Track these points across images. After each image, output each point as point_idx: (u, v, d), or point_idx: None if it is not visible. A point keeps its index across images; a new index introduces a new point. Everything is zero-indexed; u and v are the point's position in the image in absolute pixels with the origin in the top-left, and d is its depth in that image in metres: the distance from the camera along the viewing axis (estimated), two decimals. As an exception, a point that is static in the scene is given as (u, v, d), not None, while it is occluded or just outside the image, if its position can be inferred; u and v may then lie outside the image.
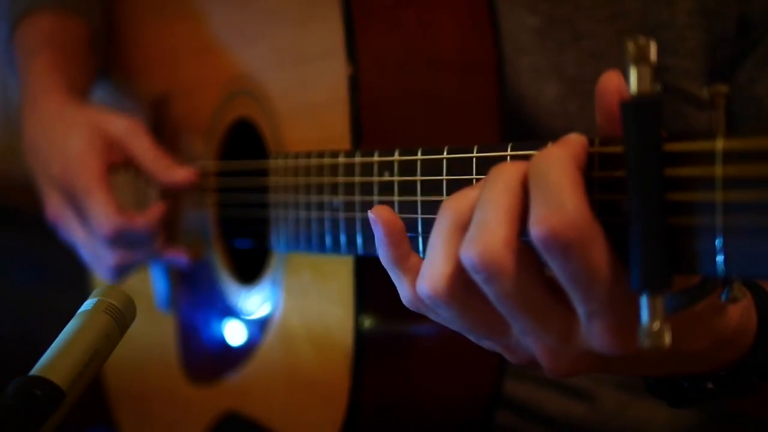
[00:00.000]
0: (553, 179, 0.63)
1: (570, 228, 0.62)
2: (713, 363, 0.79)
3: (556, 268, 0.65)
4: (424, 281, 0.71)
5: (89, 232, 1.29)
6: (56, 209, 1.32)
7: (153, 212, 1.29)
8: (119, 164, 1.31)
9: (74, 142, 1.28)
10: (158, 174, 1.28)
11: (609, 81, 0.68)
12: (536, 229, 0.63)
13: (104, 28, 1.53)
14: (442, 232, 0.70)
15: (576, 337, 0.68)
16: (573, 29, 1.13)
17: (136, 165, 1.30)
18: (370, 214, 0.75)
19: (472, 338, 0.76)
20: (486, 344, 0.76)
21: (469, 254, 0.66)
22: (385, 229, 0.75)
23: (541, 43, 1.14)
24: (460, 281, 0.69)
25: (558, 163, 0.64)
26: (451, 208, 0.70)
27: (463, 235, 0.68)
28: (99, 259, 1.31)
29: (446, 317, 0.73)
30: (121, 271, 1.31)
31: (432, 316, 0.75)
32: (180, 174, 1.28)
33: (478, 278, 0.67)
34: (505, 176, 0.67)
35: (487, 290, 0.68)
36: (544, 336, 0.69)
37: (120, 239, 1.26)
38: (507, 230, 0.65)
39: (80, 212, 1.28)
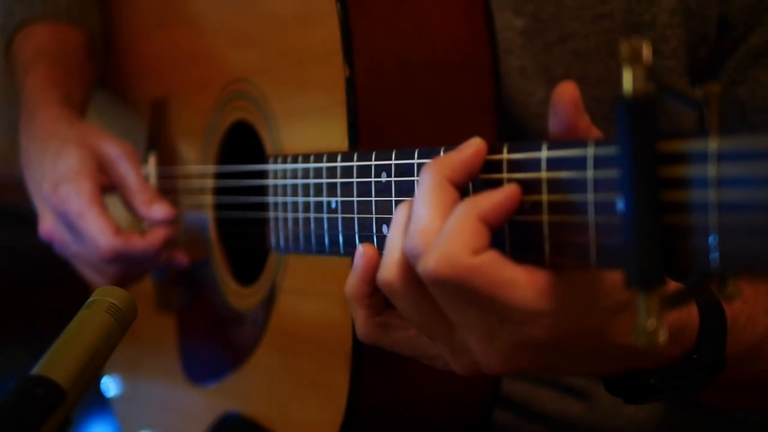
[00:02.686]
0: (447, 226, 0.72)
1: (446, 269, 0.71)
2: (658, 359, 0.80)
3: (449, 297, 0.73)
4: (381, 269, 0.78)
5: (86, 250, 1.28)
6: (49, 228, 1.30)
7: (154, 236, 1.27)
8: (109, 186, 1.30)
9: (66, 161, 1.27)
10: (138, 206, 1.28)
11: (564, 92, 0.72)
12: (420, 272, 0.73)
13: (101, 33, 1.53)
14: (394, 227, 0.78)
15: (494, 338, 0.74)
16: (558, 30, 1.14)
17: (120, 191, 1.30)
18: (359, 247, 0.82)
19: (427, 356, 0.84)
20: (439, 362, 0.83)
21: (379, 278, 0.77)
22: (366, 265, 0.81)
23: (527, 45, 1.14)
24: (410, 270, 0.76)
25: (457, 213, 0.73)
26: (398, 216, 0.78)
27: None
28: (99, 273, 1.29)
29: (401, 310, 0.79)
30: (124, 284, 1.30)
31: (385, 345, 0.85)
32: (158, 211, 1.28)
33: (390, 296, 0.77)
34: (434, 170, 0.75)
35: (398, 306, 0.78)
36: (465, 340, 0.76)
37: (118, 260, 1.25)
38: (436, 221, 0.73)
39: (74, 233, 1.27)
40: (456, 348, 0.78)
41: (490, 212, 0.72)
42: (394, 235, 0.77)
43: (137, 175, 1.29)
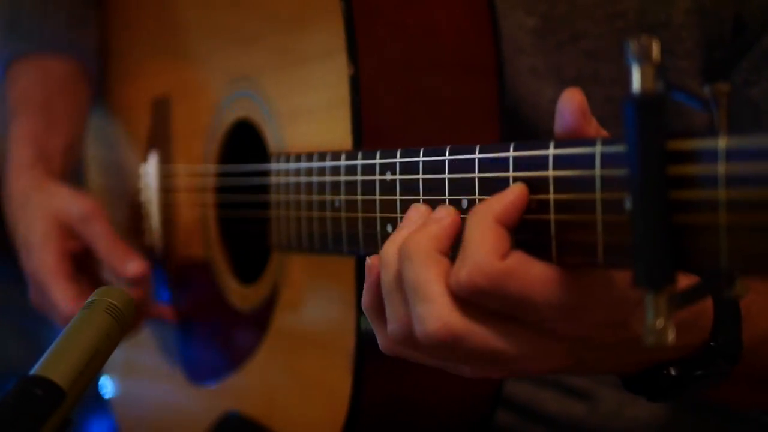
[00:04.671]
0: (465, 238, 0.71)
1: (477, 276, 0.70)
2: (678, 348, 0.80)
3: (488, 306, 0.72)
4: (390, 325, 0.77)
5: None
6: (34, 298, 1.36)
7: None
8: (78, 251, 1.33)
9: (33, 233, 1.32)
10: (112, 266, 1.30)
11: (570, 99, 0.72)
12: (451, 284, 0.71)
13: (98, 49, 1.52)
14: (388, 283, 0.77)
15: (535, 340, 0.74)
16: (571, 29, 1.13)
17: (93, 252, 1.32)
18: (368, 261, 0.81)
19: (452, 368, 0.81)
20: (466, 372, 0.81)
21: (424, 333, 0.73)
22: (374, 278, 0.80)
23: (539, 44, 1.14)
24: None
25: (472, 222, 0.72)
26: (388, 256, 0.77)
27: (400, 296, 0.76)
28: None
29: (424, 354, 0.78)
30: None
31: (410, 359, 0.81)
32: (132, 268, 1.29)
33: (443, 349, 0.74)
34: (422, 247, 0.74)
35: (453, 354, 0.75)
36: (508, 355, 0.74)
37: None
38: (446, 297, 0.72)
39: (45, 301, 1.31)
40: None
41: (504, 214, 0.71)
42: (388, 304, 0.77)
43: (105, 232, 1.31)
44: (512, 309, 0.72)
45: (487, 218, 0.71)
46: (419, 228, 0.76)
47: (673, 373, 0.81)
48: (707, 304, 0.81)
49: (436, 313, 0.72)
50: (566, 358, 0.76)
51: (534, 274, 0.70)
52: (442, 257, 0.73)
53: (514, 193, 0.72)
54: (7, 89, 1.47)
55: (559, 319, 0.72)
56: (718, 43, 1.10)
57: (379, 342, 0.82)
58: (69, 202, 1.32)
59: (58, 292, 1.28)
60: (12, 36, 1.47)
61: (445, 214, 0.76)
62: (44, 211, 1.32)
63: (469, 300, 0.72)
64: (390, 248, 0.77)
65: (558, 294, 0.70)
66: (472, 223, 0.72)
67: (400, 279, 0.76)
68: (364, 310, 0.82)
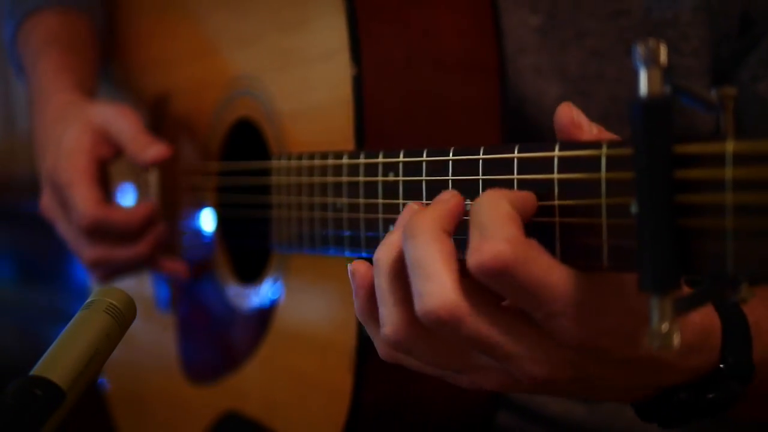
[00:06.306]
0: (483, 218, 0.68)
1: (504, 252, 0.66)
2: (687, 371, 0.79)
3: (502, 291, 0.69)
4: (384, 328, 0.75)
5: (71, 224, 1.29)
6: (45, 202, 1.33)
7: (137, 209, 1.29)
8: (110, 156, 1.31)
9: (67, 138, 1.29)
10: (135, 154, 1.27)
11: (562, 115, 0.73)
12: (471, 263, 0.68)
13: (106, 28, 1.53)
14: (382, 287, 0.75)
15: (541, 342, 0.72)
16: (575, 28, 1.13)
17: (120, 148, 1.30)
18: (350, 267, 0.79)
19: (448, 376, 0.80)
20: (464, 381, 0.79)
21: (426, 310, 0.70)
22: (362, 281, 0.78)
23: (543, 43, 1.13)
24: (417, 326, 0.73)
25: (488, 203, 0.69)
26: (381, 260, 0.75)
27: (400, 282, 0.74)
28: (78, 252, 1.31)
29: (421, 359, 0.77)
30: (100, 268, 1.30)
31: (408, 365, 0.80)
32: (151, 152, 1.26)
33: (443, 329, 0.71)
34: (426, 225, 0.72)
35: (454, 337, 0.72)
36: (512, 351, 0.72)
37: (98, 232, 1.26)
38: (451, 275, 0.70)
39: (64, 204, 1.29)
40: (491, 363, 0.76)
41: (517, 201, 0.70)
42: (383, 295, 0.75)
43: (130, 125, 1.29)
44: (524, 297, 0.69)
45: (503, 201, 0.69)
46: (424, 209, 0.74)
47: (683, 397, 0.79)
48: (715, 324, 0.79)
49: (439, 290, 0.69)
50: (567, 367, 0.74)
51: (553, 264, 0.68)
52: (446, 236, 0.72)
53: (528, 193, 0.71)
54: (25, 40, 1.47)
55: (569, 318, 0.69)
56: (725, 41, 1.10)
57: (377, 347, 0.81)
58: (101, 107, 1.32)
59: (83, 193, 1.25)
60: None
61: (450, 196, 0.74)
62: (81, 120, 1.31)
63: (479, 284, 0.69)
64: (383, 252, 0.75)
65: (573, 289, 0.68)
66: (488, 203, 0.69)
67: (396, 278, 0.74)
68: (359, 317, 0.81)
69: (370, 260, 0.98)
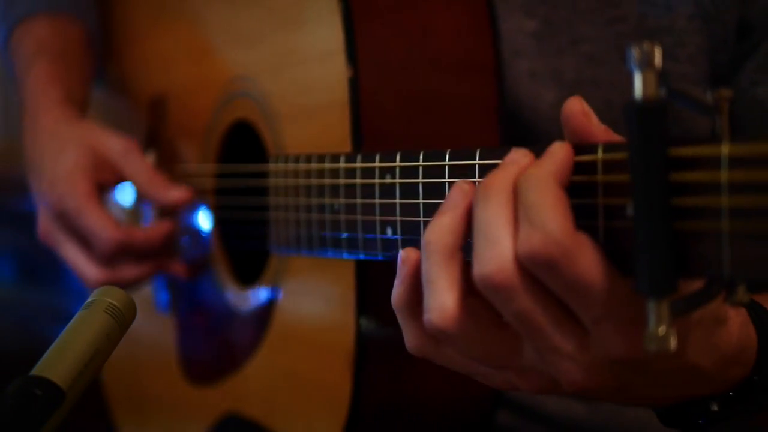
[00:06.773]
0: (532, 200, 0.66)
1: (552, 245, 0.65)
2: (721, 383, 0.78)
3: (549, 283, 0.67)
4: (431, 314, 0.72)
5: (82, 249, 1.28)
6: (45, 228, 1.32)
7: (158, 228, 1.29)
8: (109, 184, 1.31)
9: (63, 161, 1.29)
10: (155, 194, 1.28)
11: (573, 105, 0.71)
12: (520, 251, 0.66)
13: (100, 31, 1.52)
14: (433, 269, 0.73)
15: (588, 346, 0.70)
16: (571, 33, 1.13)
17: (134, 185, 1.31)
18: (402, 253, 0.77)
19: (483, 373, 0.78)
20: (498, 380, 0.77)
21: (483, 274, 0.68)
22: (411, 269, 0.76)
23: (538, 47, 1.13)
24: (467, 307, 0.72)
25: (536, 183, 0.67)
26: (432, 242, 0.73)
27: (456, 262, 0.72)
28: (83, 275, 1.30)
29: (457, 350, 0.75)
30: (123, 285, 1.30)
31: (439, 359, 0.78)
32: (175, 194, 1.28)
33: (496, 297, 0.69)
34: (498, 190, 0.69)
35: (505, 309, 0.70)
36: (560, 346, 0.70)
37: (118, 255, 1.26)
38: (513, 247, 0.68)
39: (74, 231, 1.28)
40: (526, 369, 0.75)
41: (562, 173, 0.67)
42: (434, 274, 0.72)
43: (145, 165, 1.30)
44: (572, 293, 0.67)
45: (550, 181, 0.66)
46: (495, 172, 0.71)
47: (715, 408, 0.78)
48: (752, 336, 0.78)
49: (500, 257, 0.67)
50: (609, 378, 0.71)
51: (601, 259, 0.66)
52: (513, 203, 0.68)
53: (564, 150, 0.68)
54: (16, 48, 1.46)
55: (612, 322, 0.67)
56: (723, 48, 1.10)
57: (407, 340, 0.78)
58: (108, 137, 1.31)
59: (97, 218, 1.25)
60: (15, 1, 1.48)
61: (555, 152, 0.69)
62: (78, 142, 1.30)
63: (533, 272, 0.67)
64: (435, 234, 0.73)
65: (617, 289, 0.66)
66: (534, 186, 0.66)
67: (450, 258, 0.72)
68: (395, 307, 0.78)
69: (368, 260, 0.98)
